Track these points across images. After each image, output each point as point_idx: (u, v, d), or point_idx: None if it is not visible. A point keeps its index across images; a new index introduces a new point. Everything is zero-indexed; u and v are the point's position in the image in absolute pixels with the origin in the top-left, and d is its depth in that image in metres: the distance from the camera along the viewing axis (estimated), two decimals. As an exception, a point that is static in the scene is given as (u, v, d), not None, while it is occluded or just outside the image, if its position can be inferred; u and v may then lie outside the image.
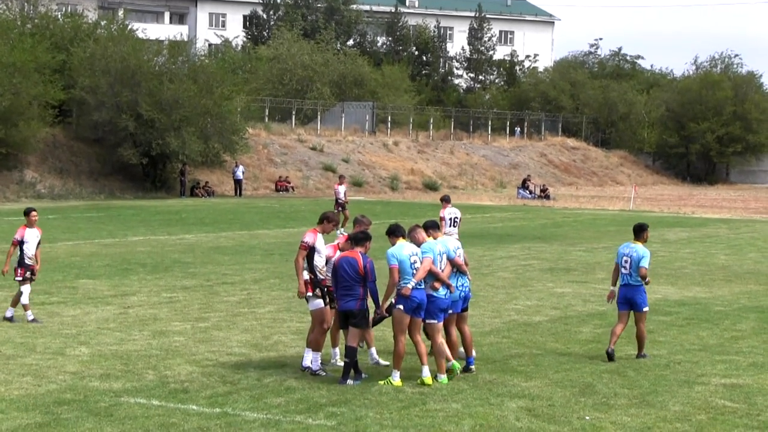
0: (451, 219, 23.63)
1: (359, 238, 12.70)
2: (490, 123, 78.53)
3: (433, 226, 13.25)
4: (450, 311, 13.08)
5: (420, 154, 69.42)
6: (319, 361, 12.97)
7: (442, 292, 12.70)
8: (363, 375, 12.56)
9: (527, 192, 59.12)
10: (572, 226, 38.37)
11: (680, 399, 12.06)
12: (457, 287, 13.11)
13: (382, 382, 12.40)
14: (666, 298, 20.15)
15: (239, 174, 55.58)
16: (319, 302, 13.01)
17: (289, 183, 58.16)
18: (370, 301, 12.74)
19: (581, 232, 35.55)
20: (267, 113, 67.63)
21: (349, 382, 12.32)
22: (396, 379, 12.42)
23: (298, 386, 12.33)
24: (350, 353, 12.41)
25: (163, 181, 54.40)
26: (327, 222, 13.30)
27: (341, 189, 34.78)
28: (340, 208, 33.66)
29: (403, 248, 12.57)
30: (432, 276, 12.63)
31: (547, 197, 56.91)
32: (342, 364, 13.21)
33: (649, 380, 12.94)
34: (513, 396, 12.06)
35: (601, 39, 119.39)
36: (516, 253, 27.94)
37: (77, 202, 47.87)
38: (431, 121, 74.79)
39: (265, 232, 33.75)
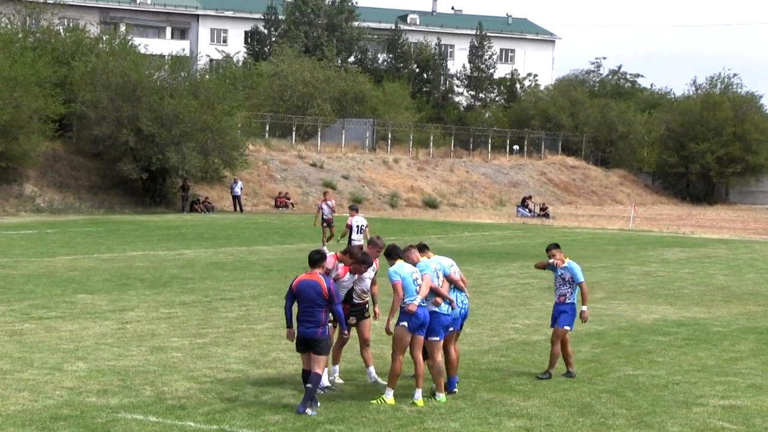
0: (357, 227, 27.04)
1: (316, 259, 11.96)
2: (490, 141, 78.63)
3: (424, 248, 13.24)
4: (451, 329, 13.08)
5: (420, 171, 69.48)
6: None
7: (444, 307, 12.72)
8: (318, 404, 11.95)
9: (527, 210, 59.13)
10: (571, 245, 38.32)
11: (679, 420, 12.03)
12: (456, 304, 13.14)
13: (375, 401, 12.36)
14: (665, 318, 20.13)
15: (237, 190, 55.61)
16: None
17: (289, 199, 58.16)
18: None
19: (580, 251, 35.49)
20: (267, 129, 67.72)
21: (308, 411, 11.71)
22: (389, 397, 12.38)
23: (295, 403, 12.28)
24: (314, 380, 11.81)
25: (163, 196, 54.39)
26: (349, 256, 12.96)
27: (326, 207, 34.17)
28: (326, 225, 33.61)
29: (403, 267, 12.57)
30: (432, 294, 12.63)
31: (547, 216, 56.91)
32: (341, 381, 13.20)
33: (648, 401, 12.91)
34: (511, 415, 12.02)
35: (604, 58, 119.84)
36: (515, 272, 27.91)
37: (76, 216, 47.86)
38: (431, 138, 74.89)
39: (264, 248, 33.72)
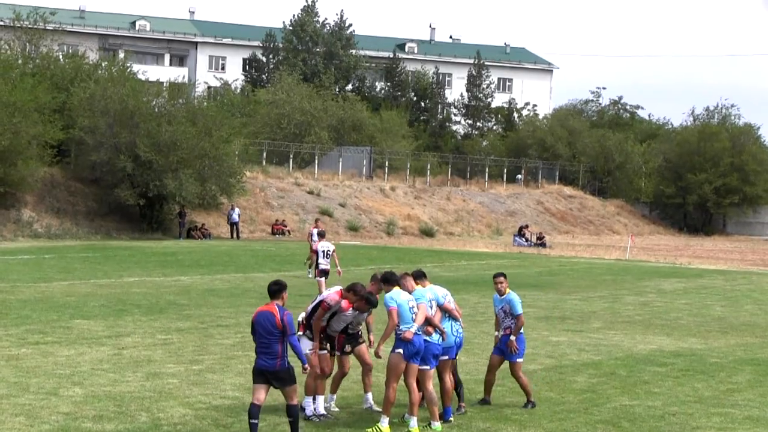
0: (323, 252, 27.38)
1: (274, 290, 11.60)
2: (487, 170, 78.79)
3: (420, 276, 13.26)
4: (445, 357, 13.09)
5: (417, 199, 69.55)
6: (313, 406, 12.93)
7: (435, 337, 12.74)
8: None
9: (523, 240, 59.16)
10: (568, 275, 38.36)
11: (675, 451, 11.99)
12: (452, 333, 13.15)
13: (370, 429, 12.32)
14: (661, 348, 20.11)
15: (235, 217, 55.62)
16: (308, 345, 13.01)
17: (285, 226, 58.18)
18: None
19: (577, 281, 35.53)
20: (265, 156, 67.86)
21: None
22: (384, 425, 12.35)
23: (288, 430, 12.25)
24: (292, 412, 11.59)
25: (160, 222, 54.40)
26: (353, 294, 12.94)
27: (315, 232, 34.36)
28: (314, 250, 33.60)
29: (400, 294, 12.59)
30: (424, 323, 12.66)
31: (543, 245, 56.93)
32: (336, 409, 13.18)
33: None
34: (507, 445, 11.99)
35: (604, 88, 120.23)
36: (512, 301, 27.85)
37: (74, 241, 47.84)
38: (428, 166, 75.05)
39: (261, 275, 33.68)
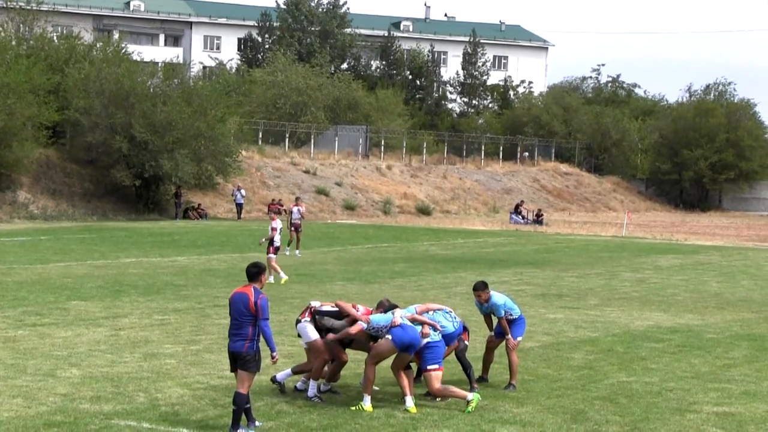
0: (280, 229, 27.32)
1: (253, 273, 11.42)
2: (483, 148, 78.71)
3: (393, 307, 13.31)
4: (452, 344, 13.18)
5: (413, 178, 69.52)
6: (316, 388, 12.95)
7: (435, 336, 12.70)
8: (256, 423, 11.43)
9: (520, 217, 59.19)
10: (564, 252, 38.40)
11: (672, 427, 12.03)
12: (447, 320, 13.19)
13: (354, 407, 12.35)
14: (658, 325, 20.15)
15: (239, 198, 55.59)
16: (313, 333, 13.02)
17: (282, 206, 58.05)
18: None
19: (573, 258, 35.57)
20: (261, 136, 67.76)
21: (241, 431, 11.14)
22: (367, 404, 12.36)
23: (289, 410, 12.29)
24: (239, 400, 11.10)
25: (156, 202, 54.36)
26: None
27: (296, 210, 35.03)
28: (293, 228, 34.51)
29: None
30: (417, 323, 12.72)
31: (540, 222, 56.96)
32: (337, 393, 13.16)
33: (641, 408, 12.92)
34: (504, 422, 12.03)
35: (603, 65, 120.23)
36: (508, 279, 27.93)
37: (70, 223, 47.80)
38: (424, 145, 74.97)
39: (257, 255, 33.63)
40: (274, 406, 12.45)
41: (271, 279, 25.15)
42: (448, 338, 13.14)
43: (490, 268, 30.83)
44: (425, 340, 12.59)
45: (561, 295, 24.51)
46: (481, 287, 14.11)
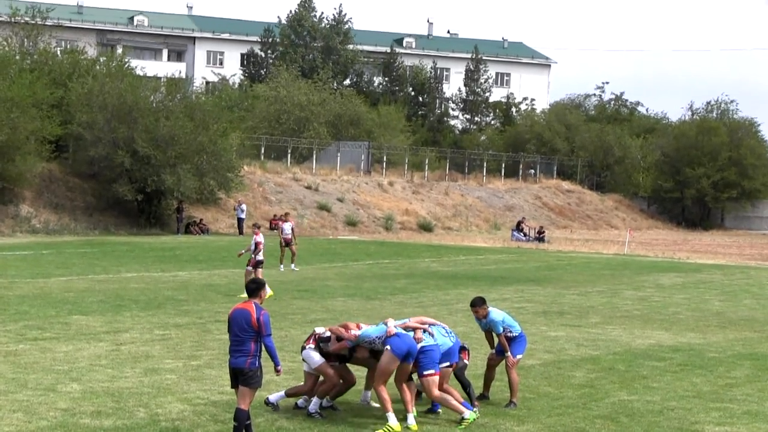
0: (264, 243, 27.49)
1: (252, 289, 11.44)
2: (485, 164, 78.79)
3: None
4: (447, 363, 13.04)
5: (415, 194, 69.54)
6: (318, 405, 12.92)
7: (429, 340, 12.70)
8: None
9: (521, 234, 59.17)
10: (566, 269, 38.36)
11: (673, 446, 11.98)
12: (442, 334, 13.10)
13: (381, 431, 12.14)
14: (660, 343, 20.11)
15: (241, 213, 55.59)
16: (319, 359, 13.03)
17: (284, 220, 58.04)
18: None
19: (575, 276, 35.53)
20: (263, 151, 67.82)
21: None
22: (394, 422, 12.20)
23: (289, 426, 12.27)
24: (240, 416, 11.10)
25: (158, 217, 54.38)
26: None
27: (287, 226, 35.16)
28: (285, 244, 34.70)
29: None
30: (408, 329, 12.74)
31: (542, 240, 56.93)
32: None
33: (643, 427, 12.88)
34: (506, 440, 11.98)
35: (607, 83, 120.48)
36: (509, 296, 27.90)
37: (72, 237, 47.81)
38: (426, 161, 75.03)
39: (259, 271, 33.62)
40: (274, 422, 12.42)
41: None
42: (447, 354, 13.06)
43: (492, 285, 30.80)
44: (419, 345, 12.57)
45: (562, 313, 24.48)
46: (478, 303, 14.10)
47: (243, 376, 11.11)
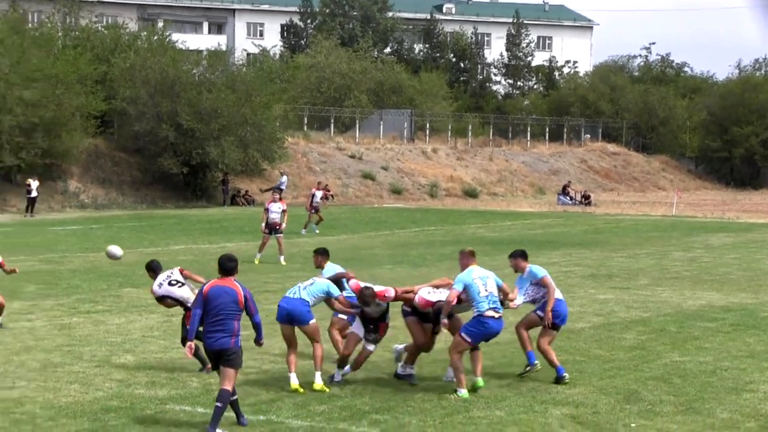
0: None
1: (230, 267, 10.99)
2: (529, 129, 78.29)
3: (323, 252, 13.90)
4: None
5: (459, 161, 69.33)
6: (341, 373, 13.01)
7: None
8: (244, 420, 10.96)
9: (567, 198, 58.83)
10: (613, 232, 38.11)
11: (728, 406, 11.91)
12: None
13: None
14: (711, 304, 19.94)
15: (282, 185, 55.49)
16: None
17: (329, 191, 58.17)
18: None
19: (623, 238, 35.30)
20: (306, 121, 67.89)
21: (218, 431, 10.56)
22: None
23: (341, 394, 12.34)
24: (223, 397, 10.58)
25: (204, 190, 54.74)
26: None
27: (318, 194, 37.64)
28: (313, 211, 37.02)
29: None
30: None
31: (589, 203, 56.57)
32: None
33: (696, 387, 12.80)
34: (557, 403, 11.98)
35: (653, 43, 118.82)
36: (557, 260, 27.77)
37: (120, 211, 48.31)
38: (470, 127, 74.71)
39: (305, 240, 33.83)
40: (273, 403, 12.47)
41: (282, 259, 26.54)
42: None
43: (539, 249, 30.66)
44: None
45: (611, 276, 24.34)
46: (514, 255, 13.56)
47: (227, 357, 10.68)
